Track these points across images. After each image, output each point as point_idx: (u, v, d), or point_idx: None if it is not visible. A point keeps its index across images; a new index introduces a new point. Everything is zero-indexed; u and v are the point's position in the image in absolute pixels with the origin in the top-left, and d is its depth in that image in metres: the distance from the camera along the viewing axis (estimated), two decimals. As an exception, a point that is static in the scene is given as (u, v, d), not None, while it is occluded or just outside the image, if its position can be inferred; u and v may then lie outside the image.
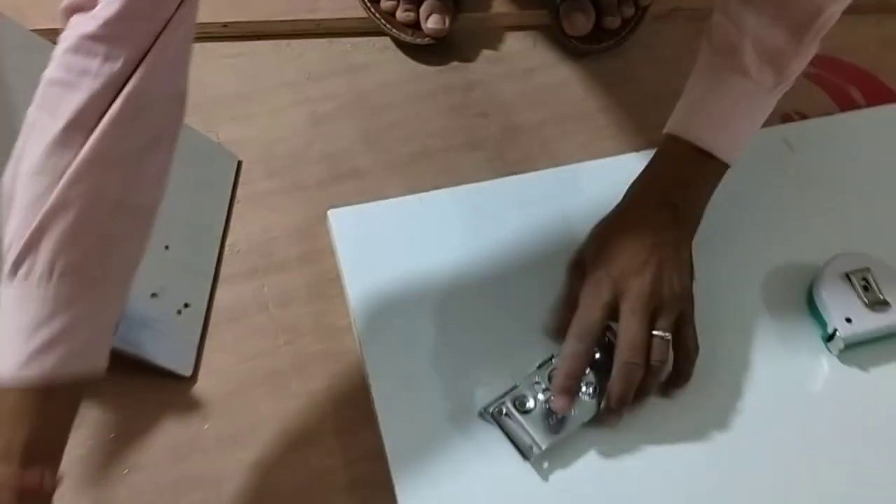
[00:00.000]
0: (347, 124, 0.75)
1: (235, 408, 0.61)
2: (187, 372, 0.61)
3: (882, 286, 0.62)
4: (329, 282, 0.66)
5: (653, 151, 0.64)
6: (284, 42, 0.80)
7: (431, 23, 0.77)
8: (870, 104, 0.78)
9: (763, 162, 0.73)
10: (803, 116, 0.77)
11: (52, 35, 0.71)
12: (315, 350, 0.64)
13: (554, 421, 0.57)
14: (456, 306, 0.64)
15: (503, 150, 0.75)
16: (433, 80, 0.79)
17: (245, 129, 0.74)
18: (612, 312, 0.57)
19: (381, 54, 0.80)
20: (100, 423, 0.59)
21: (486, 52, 0.81)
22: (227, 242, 0.68)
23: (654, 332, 0.56)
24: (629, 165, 0.70)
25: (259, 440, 0.59)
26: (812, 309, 0.64)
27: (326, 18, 0.81)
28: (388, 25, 0.78)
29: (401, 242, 0.67)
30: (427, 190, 0.71)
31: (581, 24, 0.78)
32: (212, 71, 0.77)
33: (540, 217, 0.69)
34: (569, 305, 0.59)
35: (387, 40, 0.81)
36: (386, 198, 0.70)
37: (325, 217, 0.68)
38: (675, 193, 0.60)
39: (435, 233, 0.67)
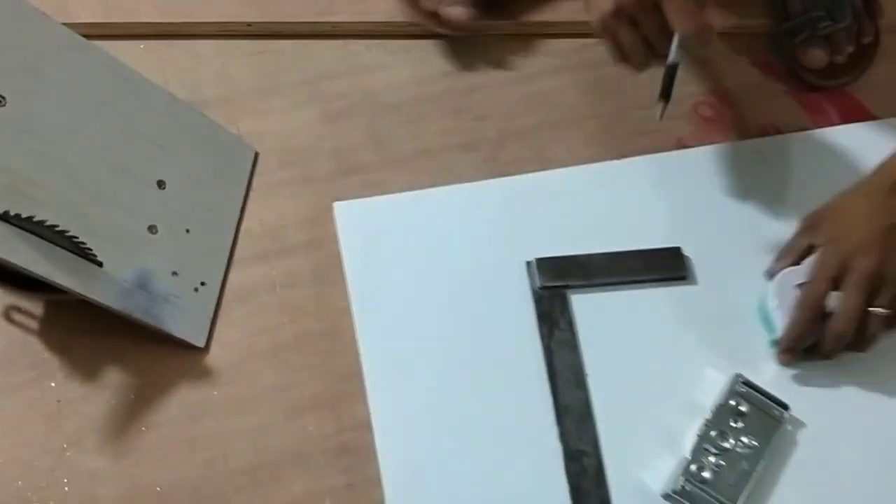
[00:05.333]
0: (357, 122, 0.82)
1: (242, 377, 0.68)
2: (201, 343, 0.69)
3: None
4: (332, 267, 0.73)
5: (637, 159, 0.71)
6: (303, 42, 0.86)
7: (453, 12, 0.81)
8: (844, 121, 0.83)
9: (739, 174, 0.79)
10: (779, 131, 0.83)
11: (93, 30, 0.79)
12: (316, 328, 0.71)
13: (732, 480, 0.63)
14: (444, 293, 0.71)
15: (497, 153, 0.81)
16: (438, 83, 0.85)
17: (263, 122, 0.81)
18: (837, 285, 0.65)
19: (391, 56, 0.86)
20: (122, 386, 0.67)
21: (489, 58, 0.87)
22: (242, 228, 0.75)
23: (871, 309, 0.64)
24: (611, 172, 0.77)
25: (261, 407, 0.67)
26: (763, 315, 0.71)
27: (342, 21, 0.87)
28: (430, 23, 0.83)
29: (398, 234, 0.74)
30: (426, 187, 0.77)
31: (819, 58, 0.82)
32: (236, 67, 0.84)
33: (525, 217, 0.75)
34: (790, 254, 0.70)
35: (398, 43, 0.87)
36: (388, 192, 0.77)
37: (331, 208, 0.75)
38: None
39: (429, 227, 0.74)
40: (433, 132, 0.82)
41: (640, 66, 0.70)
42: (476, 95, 0.84)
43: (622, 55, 0.70)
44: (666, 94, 0.70)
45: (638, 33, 0.68)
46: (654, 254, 0.73)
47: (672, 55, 0.68)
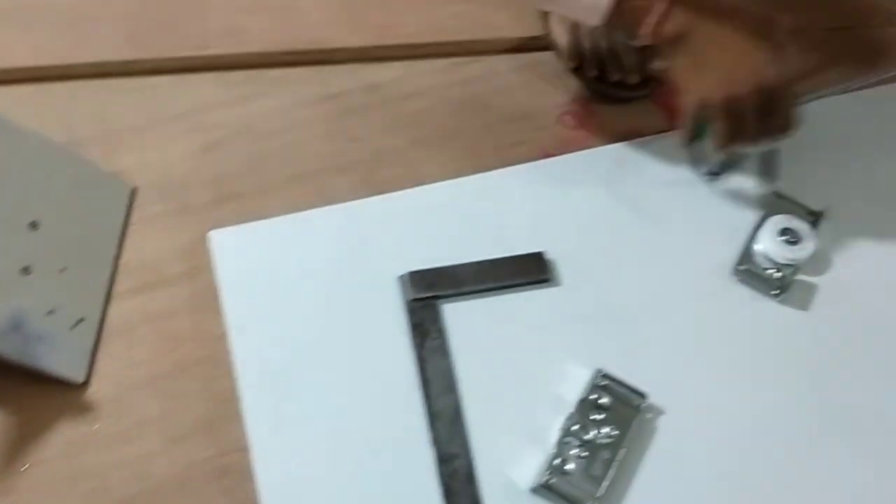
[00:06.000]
0: (234, 151, 0.84)
1: (123, 409, 0.70)
2: (81, 379, 0.70)
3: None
4: (210, 295, 0.75)
5: (504, 170, 0.78)
6: (180, 77, 0.88)
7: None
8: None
9: (598, 179, 0.83)
10: (641, 135, 0.87)
11: None
12: (195, 356, 0.73)
13: (595, 470, 0.66)
14: (319, 312, 0.73)
15: (372, 172, 0.84)
16: (313, 108, 0.88)
17: (141, 157, 0.83)
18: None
19: (267, 85, 0.89)
20: (2, 426, 0.68)
21: (362, 81, 0.90)
22: (121, 262, 0.77)
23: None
24: (480, 184, 0.81)
25: (142, 436, 0.69)
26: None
27: (218, 54, 0.89)
28: None
29: (273, 258, 0.76)
30: (302, 210, 0.80)
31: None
32: (113, 105, 0.86)
33: (399, 233, 0.78)
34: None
35: (273, 72, 0.89)
36: (264, 218, 0.79)
37: (208, 237, 0.77)
38: None
39: (304, 249, 0.77)
40: (309, 156, 0.85)
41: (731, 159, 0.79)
42: (350, 119, 0.87)
43: (733, 136, 0.73)
44: (770, 174, 0.80)
45: (734, 127, 0.72)
46: (519, 260, 0.76)
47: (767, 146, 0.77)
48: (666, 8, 0.68)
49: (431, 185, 0.82)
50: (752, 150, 0.78)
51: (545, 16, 0.91)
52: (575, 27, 0.87)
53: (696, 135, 0.78)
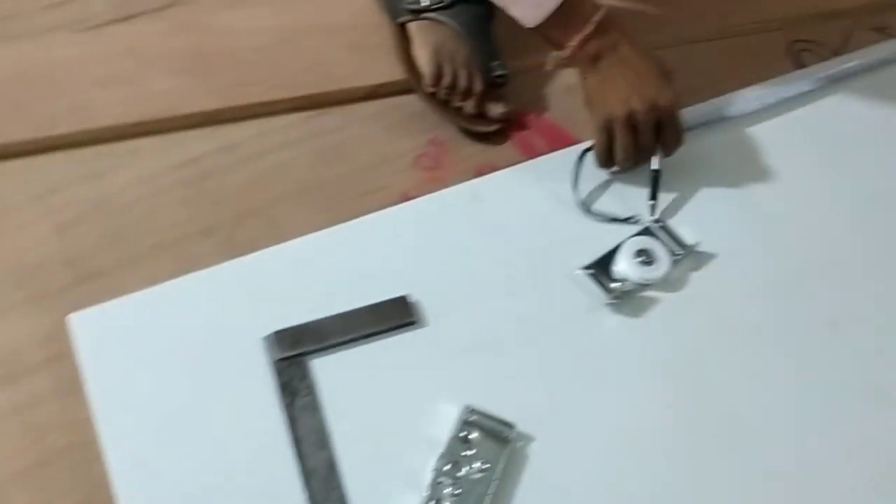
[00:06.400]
0: (90, 228, 0.83)
1: (-9, 507, 0.69)
2: (-58, 483, 0.69)
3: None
4: (75, 380, 0.74)
5: (364, 218, 0.81)
6: (30, 160, 0.87)
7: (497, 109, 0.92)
8: (553, 150, 0.91)
9: (457, 216, 0.85)
10: (495, 169, 0.89)
11: None
12: (63, 443, 0.72)
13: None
14: (185, 383, 0.73)
15: (234, 234, 0.84)
16: (169, 176, 0.88)
17: (-6, 247, 0.81)
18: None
19: (120, 159, 0.88)
20: None
21: (217, 143, 0.90)
22: (-21, 357, 0.75)
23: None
24: (341, 235, 0.82)
25: (11, 533, 0.67)
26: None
27: (66, 133, 0.88)
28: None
29: (137, 334, 0.75)
30: (165, 280, 0.79)
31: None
32: (-40, 196, 0.84)
33: (263, 293, 0.79)
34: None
35: (125, 145, 0.89)
36: (127, 293, 0.78)
37: (68, 321, 0.76)
38: None
39: (167, 322, 0.76)
40: (168, 225, 0.84)
41: (626, 167, 0.84)
42: (207, 182, 0.88)
43: (609, 156, 0.83)
44: (654, 195, 0.84)
45: (634, 140, 0.81)
46: (383, 306, 0.77)
47: (656, 163, 0.83)
48: (592, 31, 0.78)
49: (291, 241, 0.82)
50: (642, 165, 0.84)
51: (405, 46, 0.94)
52: (436, 53, 0.90)
53: (608, 154, 0.83)
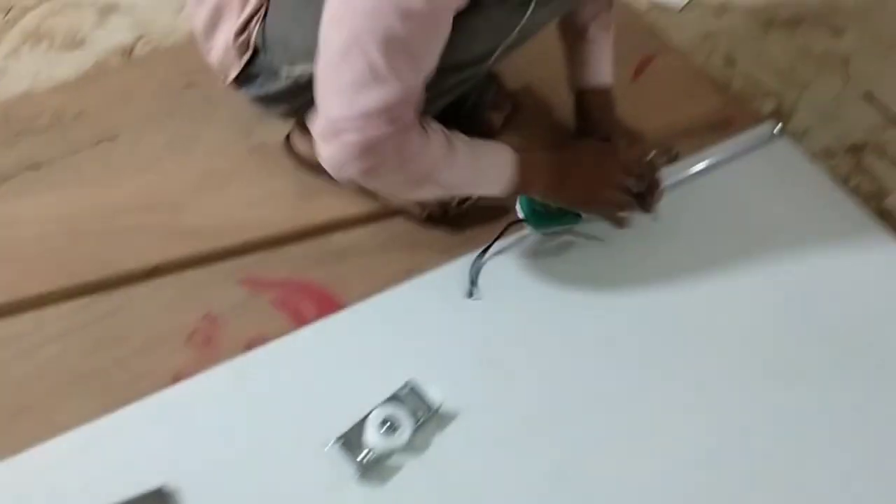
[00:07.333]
0: None
1: None
2: None
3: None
4: None
5: (131, 407, 0.85)
6: None
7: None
8: (321, 316, 0.96)
9: (219, 397, 0.89)
10: (266, 341, 0.94)
11: None
12: None
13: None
14: None
15: (7, 433, 0.86)
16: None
17: None
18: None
19: None
20: None
21: (-4, 339, 0.93)
22: None
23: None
24: (106, 427, 0.84)
25: None
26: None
27: None
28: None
29: None
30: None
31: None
32: None
33: (21, 499, 0.81)
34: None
35: None
36: None
37: None
38: None
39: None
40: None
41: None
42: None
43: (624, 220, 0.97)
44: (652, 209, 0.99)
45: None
46: (140, 500, 0.81)
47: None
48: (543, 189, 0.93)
49: (57, 438, 0.85)
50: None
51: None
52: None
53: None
